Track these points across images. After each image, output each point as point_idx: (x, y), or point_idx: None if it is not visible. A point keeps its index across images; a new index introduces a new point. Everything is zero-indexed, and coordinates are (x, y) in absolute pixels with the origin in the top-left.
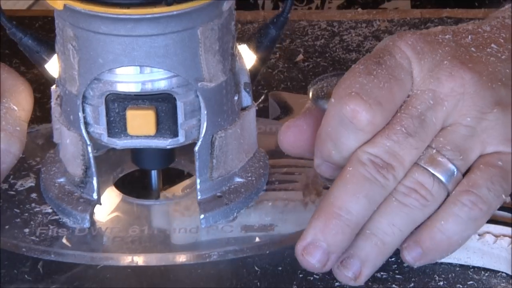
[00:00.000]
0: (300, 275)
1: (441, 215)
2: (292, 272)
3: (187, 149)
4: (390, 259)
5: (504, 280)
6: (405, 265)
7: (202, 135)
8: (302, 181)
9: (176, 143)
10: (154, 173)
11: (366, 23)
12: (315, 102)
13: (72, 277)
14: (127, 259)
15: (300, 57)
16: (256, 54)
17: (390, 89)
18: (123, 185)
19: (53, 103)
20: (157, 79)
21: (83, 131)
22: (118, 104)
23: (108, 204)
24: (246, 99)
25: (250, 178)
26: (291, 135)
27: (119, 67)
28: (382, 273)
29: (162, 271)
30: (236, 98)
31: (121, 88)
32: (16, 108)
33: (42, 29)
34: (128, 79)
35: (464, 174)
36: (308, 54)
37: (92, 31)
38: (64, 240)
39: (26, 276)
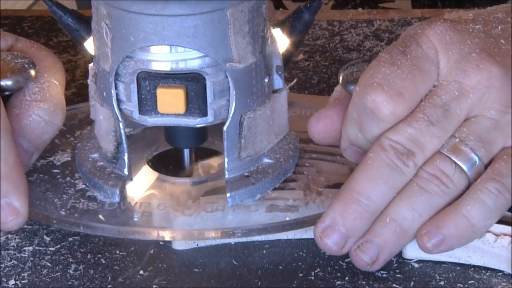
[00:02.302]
0: (300, 275)
1: (467, 201)
2: (292, 271)
3: (220, 129)
4: (391, 258)
5: (504, 280)
6: (406, 263)
7: (231, 115)
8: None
9: (205, 122)
10: (186, 152)
11: (366, 22)
12: (345, 87)
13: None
14: (153, 234)
15: (301, 56)
16: (290, 38)
17: (413, 80)
18: (157, 163)
19: (90, 80)
20: (188, 58)
21: (115, 107)
22: (149, 82)
23: (141, 181)
24: (278, 81)
25: (278, 159)
26: (322, 126)
27: (150, 45)
28: (382, 272)
29: (163, 270)
30: (266, 80)
31: (152, 66)
32: (57, 83)
33: (42, 29)
34: (159, 58)
35: (486, 166)
36: (309, 53)
37: (124, 10)
38: (93, 214)
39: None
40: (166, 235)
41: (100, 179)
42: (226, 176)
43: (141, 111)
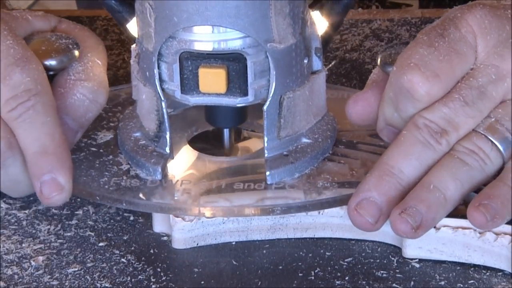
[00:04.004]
0: (300, 274)
1: (509, 175)
2: (292, 271)
3: (259, 109)
4: (391, 258)
5: (504, 279)
6: (406, 262)
7: (271, 95)
8: (369, 148)
9: (246, 102)
10: (226, 132)
11: (366, 22)
12: (383, 68)
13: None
14: (194, 211)
15: None
16: (328, 21)
17: (450, 62)
18: (197, 143)
19: (132, 60)
20: (229, 39)
21: (158, 87)
22: (191, 62)
23: (182, 160)
24: (317, 63)
25: (317, 139)
26: (360, 108)
27: (192, 26)
28: (382, 272)
29: (163, 270)
30: (306, 61)
31: (195, 46)
32: (100, 63)
33: None
34: (201, 38)
35: None
36: None
37: None
38: (136, 190)
39: None
40: (207, 212)
41: (143, 157)
42: (266, 155)
43: (183, 91)
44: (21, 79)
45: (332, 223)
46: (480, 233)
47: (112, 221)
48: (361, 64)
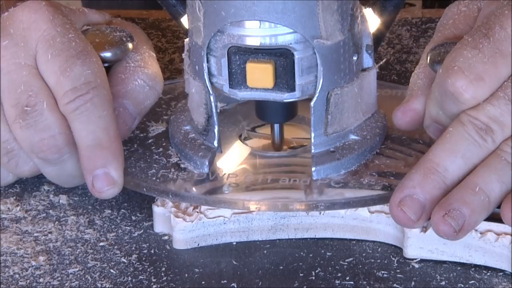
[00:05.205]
0: (301, 275)
1: None
2: (293, 271)
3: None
4: (392, 258)
5: (505, 279)
6: (406, 262)
7: (318, 91)
8: (418, 147)
9: (293, 97)
10: (276, 127)
11: None
12: (431, 67)
13: None
14: (239, 204)
15: None
16: (380, 18)
17: (494, 64)
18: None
19: (184, 54)
20: (277, 34)
21: (207, 81)
22: (239, 57)
23: (231, 154)
24: (368, 60)
25: (365, 136)
26: (409, 119)
27: (240, 20)
28: (383, 272)
29: (164, 270)
30: (355, 58)
31: (243, 41)
32: (154, 55)
33: None
34: (249, 33)
35: None
36: None
37: None
38: (182, 183)
39: None
40: (252, 206)
41: (191, 150)
42: (312, 150)
43: (231, 85)
44: (82, 71)
45: (333, 223)
46: (481, 233)
47: (112, 221)
48: None
